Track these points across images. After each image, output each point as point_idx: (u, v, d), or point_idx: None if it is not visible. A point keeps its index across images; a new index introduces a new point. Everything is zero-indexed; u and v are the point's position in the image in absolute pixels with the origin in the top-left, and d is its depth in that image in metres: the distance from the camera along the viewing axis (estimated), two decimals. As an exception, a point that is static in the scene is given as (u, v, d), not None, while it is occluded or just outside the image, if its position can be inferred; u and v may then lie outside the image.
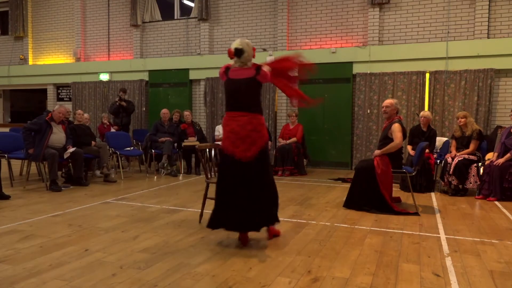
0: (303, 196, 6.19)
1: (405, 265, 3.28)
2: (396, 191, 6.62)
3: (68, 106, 11.38)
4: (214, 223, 3.73)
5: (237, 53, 3.72)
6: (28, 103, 15.07)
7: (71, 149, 6.62)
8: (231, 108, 3.73)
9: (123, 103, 9.44)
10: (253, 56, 3.82)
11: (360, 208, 5.17)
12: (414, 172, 5.41)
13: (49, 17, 12.56)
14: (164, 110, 8.77)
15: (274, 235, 4.00)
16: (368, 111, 8.98)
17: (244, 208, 3.59)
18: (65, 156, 6.58)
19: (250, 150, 3.62)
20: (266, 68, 3.78)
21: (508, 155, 5.93)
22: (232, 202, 3.63)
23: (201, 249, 3.63)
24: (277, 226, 4.03)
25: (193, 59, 10.58)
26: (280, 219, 4.70)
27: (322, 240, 3.93)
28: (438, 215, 5.01)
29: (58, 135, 6.64)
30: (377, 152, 5.29)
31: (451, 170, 6.29)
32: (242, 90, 3.69)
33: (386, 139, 5.29)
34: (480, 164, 6.28)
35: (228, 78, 3.77)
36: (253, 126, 3.64)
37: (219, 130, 9.14)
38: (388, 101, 5.44)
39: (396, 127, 5.22)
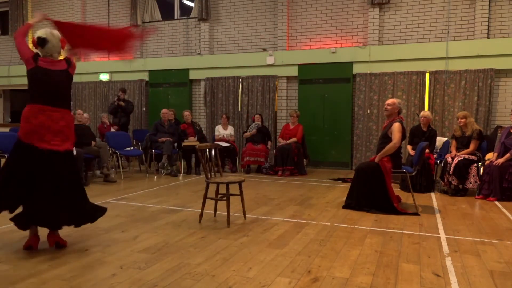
0: (303, 196, 6.19)
1: (405, 265, 3.28)
2: (396, 191, 6.61)
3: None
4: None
5: (40, 42, 3.53)
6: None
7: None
8: (43, 101, 3.48)
9: (121, 103, 9.44)
10: (62, 48, 3.65)
11: (360, 208, 5.17)
12: (414, 172, 5.41)
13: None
14: (164, 110, 8.77)
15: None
16: (368, 111, 8.98)
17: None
18: None
19: (63, 145, 3.53)
20: (74, 60, 3.75)
21: (508, 155, 5.93)
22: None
23: (201, 249, 3.63)
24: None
25: (193, 59, 10.58)
26: (280, 219, 4.73)
27: (322, 240, 3.93)
28: (438, 215, 5.01)
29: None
30: (377, 158, 5.26)
31: (451, 170, 6.29)
32: (55, 82, 3.53)
33: (386, 137, 5.28)
34: (480, 164, 6.28)
35: (37, 65, 3.49)
36: (66, 122, 3.57)
37: (219, 130, 9.15)
38: (391, 100, 5.43)
39: (396, 126, 5.19)
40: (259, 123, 8.89)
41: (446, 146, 7.28)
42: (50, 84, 3.50)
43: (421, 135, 6.83)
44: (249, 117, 9.82)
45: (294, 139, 8.38)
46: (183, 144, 8.45)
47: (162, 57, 11.09)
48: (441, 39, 8.58)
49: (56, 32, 3.61)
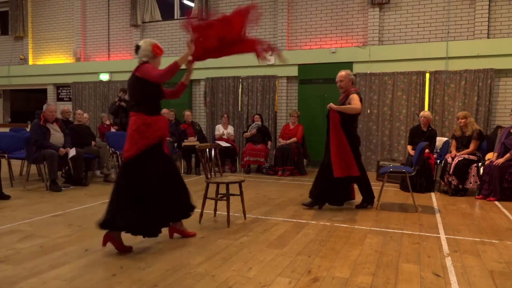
0: (303, 196, 6.18)
1: (405, 265, 3.28)
2: (397, 191, 6.63)
3: (68, 106, 11.39)
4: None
5: (135, 49, 3.79)
6: (28, 103, 15.07)
7: (72, 154, 6.59)
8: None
9: (123, 104, 9.43)
10: (155, 53, 3.87)
11: (319, 204, 5.27)
12: (414, 172, 5.41)
13: (49, 17, 12.56)
14: (164, 110, 8.75)
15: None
16: (368, 111, 8.97)
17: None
18: (69, 156, 6.57)
19: (130, 150, 3.49)
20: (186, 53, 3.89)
21: (508, 155, 5.93)
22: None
23: (201, 249, 3.63)
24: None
25: (193, 59, 10.56)
26: (280, 219, 4.73)
27: (322, 240, 3.93)
28: (438, 215, 5.01)
29: (56, 135, 6.61)
30: (333, 106, 5.00)
31: (451, 170, 6.29)
32: (129, 88, 3.71)
33: None
34: (480, 164, 6.28)
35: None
36: (137, 125, 3.53)
37: (219, 129, 9.15)
38: (341, 74, 5.25)
39: (355, 96, 5.05)
40: (259, 123, 8.89)
41: (446, 146, 7.28)
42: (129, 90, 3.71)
43: (421, 135, 6.83)
44: (249, 117, 9.82)
45: (294, 139, 8.38)
46: (183, 144, 8.45)
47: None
48: (441, 39, 8.58)
49: (148, 39, 3.83)
